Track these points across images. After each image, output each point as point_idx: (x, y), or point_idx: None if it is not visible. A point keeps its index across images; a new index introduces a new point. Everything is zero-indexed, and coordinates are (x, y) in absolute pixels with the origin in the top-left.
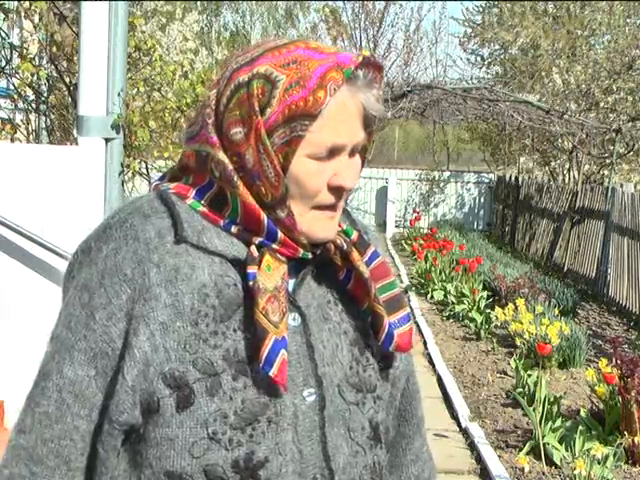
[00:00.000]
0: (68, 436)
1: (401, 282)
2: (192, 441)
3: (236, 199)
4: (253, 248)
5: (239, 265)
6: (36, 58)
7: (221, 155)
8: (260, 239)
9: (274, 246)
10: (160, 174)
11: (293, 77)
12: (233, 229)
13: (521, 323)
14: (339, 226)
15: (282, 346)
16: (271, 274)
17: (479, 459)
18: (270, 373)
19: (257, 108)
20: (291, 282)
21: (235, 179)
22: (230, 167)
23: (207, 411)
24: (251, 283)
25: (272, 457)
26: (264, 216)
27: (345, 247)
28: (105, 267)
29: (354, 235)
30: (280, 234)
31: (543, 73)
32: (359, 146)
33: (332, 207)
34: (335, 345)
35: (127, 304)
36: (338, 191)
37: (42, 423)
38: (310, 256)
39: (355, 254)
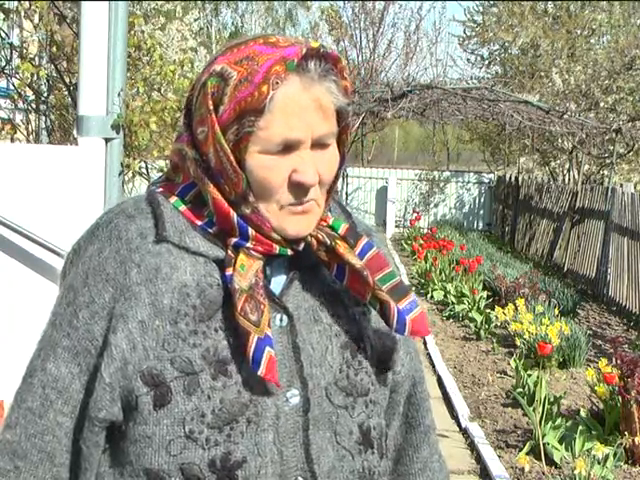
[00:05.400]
0: (51, 432)
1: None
2: (169, 439)
3: (208, 197)
4: (230, 249)
5: (222, 266)
6: (36, 58)
7: (194, 154)
8: (235, 239)
9: (248, 245)
10: (160, 174)
11: (243, 73)
12: (212, 230)
13: (521, 323)
14: (324, 220)
15: (266, 344)
16: (245, 273)
17: (479, 459)
18: (259, 372)
19: (211, 106)
20: (281, 283)
21: (205, 177)
22: (201, 166)
23: (184, 409)
24: (229, 285)
25: (250, 458)
26: (233, 214)
27: (329, 242)
28: (89, 267)
29: (342, 229)
30: (251, 231)
31: (543, 73)
32: (325, 139)
33: (300, 203)
34: (325, 347)
35: (109, 303)
36: (300, 187)
37: (26, 418)
38: (289, 252)
39: (342, 247)
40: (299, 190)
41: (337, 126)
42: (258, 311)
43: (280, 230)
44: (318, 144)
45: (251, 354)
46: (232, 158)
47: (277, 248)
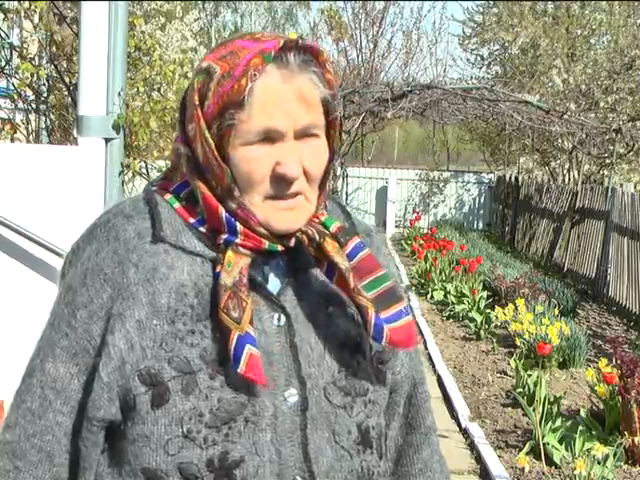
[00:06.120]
0: (50, 432)
1: (401, 282)
2: (167, 439)
3: (198, 193)
4: (222, 247)
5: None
6: (36, 58)
7: (186, 151)
8: (224, 236)
9: (237, 240)
10: (160, 174)
11: (226, 68)
12: (202, 229)
13: (521, 323)
14: (317, 217)
15: (247, 342)
16: (231, 270)
17: (479, 459)
18: (239, 370)
19: (197, 102)
20: (279, 282)
21: (195, 173)
22: (191, 162)
23: (182, 409)
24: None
25: (248, 457)
26: (221, 209)
27: (317, 238)
28: (87, 267)
29: (333, 227)
30: (239, 226)
31: (543, 73)
32: (309, 130)
33: (285, 197)
34: (323, 347)
35: (108, 303)
36: (283, 180)
37: (26, 418)
38: (280, 248)
39: (330, 245)
40: (282, 183)
41: (325, 119)
42: (240, 308)
43: (266, 224)
44: (303, 135)
45: (232, 352)
46: (216, 152)
47: (266, 243)
